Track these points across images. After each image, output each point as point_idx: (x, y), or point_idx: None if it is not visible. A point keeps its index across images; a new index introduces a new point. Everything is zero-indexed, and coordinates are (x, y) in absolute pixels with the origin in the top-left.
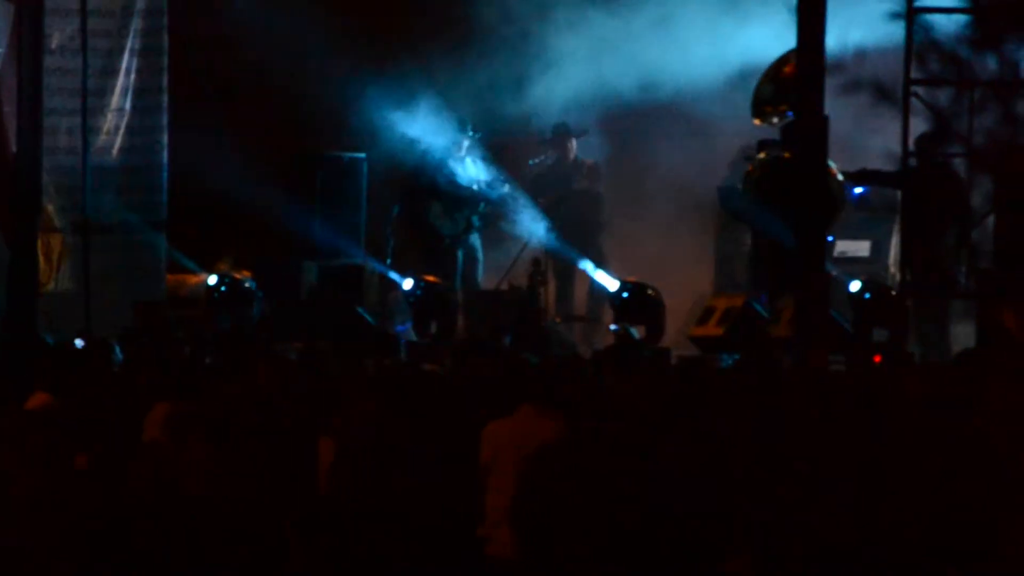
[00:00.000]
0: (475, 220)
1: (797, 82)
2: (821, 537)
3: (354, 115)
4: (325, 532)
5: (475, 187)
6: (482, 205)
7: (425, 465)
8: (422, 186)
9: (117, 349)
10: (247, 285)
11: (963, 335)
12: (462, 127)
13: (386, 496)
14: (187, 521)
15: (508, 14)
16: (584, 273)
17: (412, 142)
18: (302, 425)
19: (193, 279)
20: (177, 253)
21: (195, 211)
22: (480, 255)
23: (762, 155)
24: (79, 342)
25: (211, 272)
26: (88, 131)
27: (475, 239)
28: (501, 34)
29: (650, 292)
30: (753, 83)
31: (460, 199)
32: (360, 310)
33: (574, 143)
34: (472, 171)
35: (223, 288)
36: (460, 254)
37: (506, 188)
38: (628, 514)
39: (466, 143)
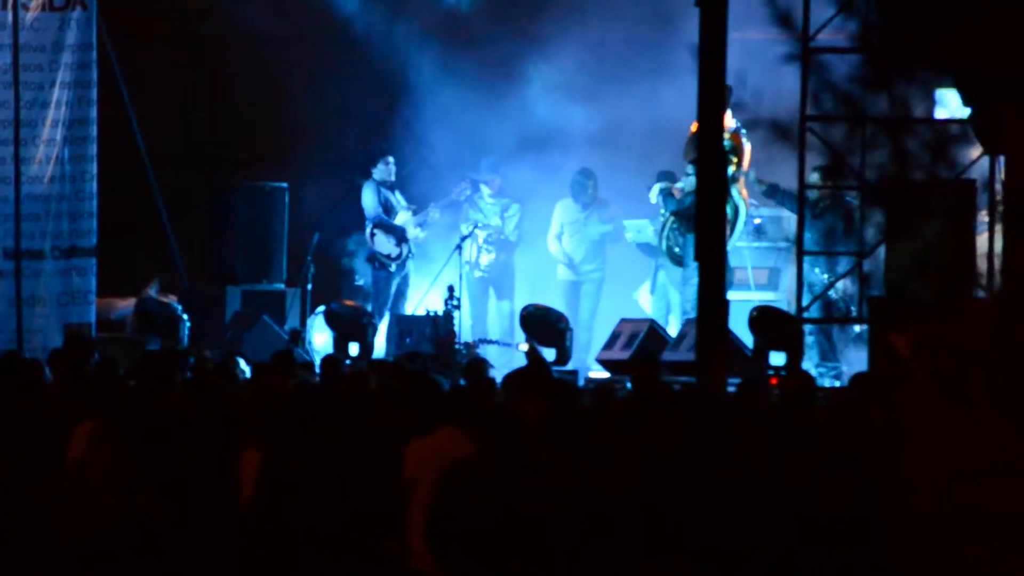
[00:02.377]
0: (406, 248)
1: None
2: (710, 541)
3: (277, 144)
4: (245, 543)
5: (406, 215)
6: (414, 232)
7: (346, 481)
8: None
9: (47, 369)
10: (173, 308)
11: (856, 360)
12: (385, 159)
13: (308, 510)
14: (108, 533)
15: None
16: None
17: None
18: (225, 440)
19: (121, 302)
20: (106, 278)
21: (123, 237)
22: (409, 281)
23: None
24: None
25: (138, 296)
26: (21, 161)
27: (407, 265)
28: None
29: (558, 317)
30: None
31: (392, 227)
32: (282, 332)
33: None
34: (402, 200)
35: (150, 312)
36: (395, 280)
37: (430, 216)
38: (534, 525)
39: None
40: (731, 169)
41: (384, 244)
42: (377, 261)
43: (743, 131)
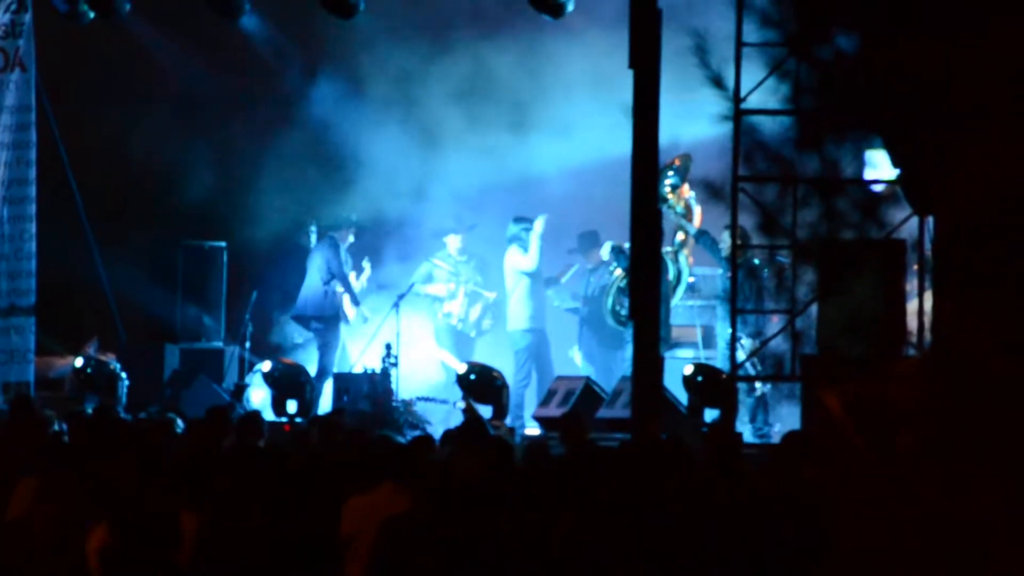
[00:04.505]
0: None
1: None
2: None
3: (216, 205)
4: None
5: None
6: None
7: (285, 538)
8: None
9: None
10: (112, 367)
11: (788, 417)
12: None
13: (246, 569)
14: None
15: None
16: (433, 355)
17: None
18: (165, 499)
19: (60, 361)
20: (45, 336)
21: (62, 296)
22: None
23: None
24: None
25: (77, 355)
26: None
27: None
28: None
29: (495, 375)
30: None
31: (351, 289)
32: (220, 391)
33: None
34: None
35: (88, 370)
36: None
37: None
38: None
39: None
40: (680, 236)
41: (345, 305)
42: (335, 319)
43: (694, 196)
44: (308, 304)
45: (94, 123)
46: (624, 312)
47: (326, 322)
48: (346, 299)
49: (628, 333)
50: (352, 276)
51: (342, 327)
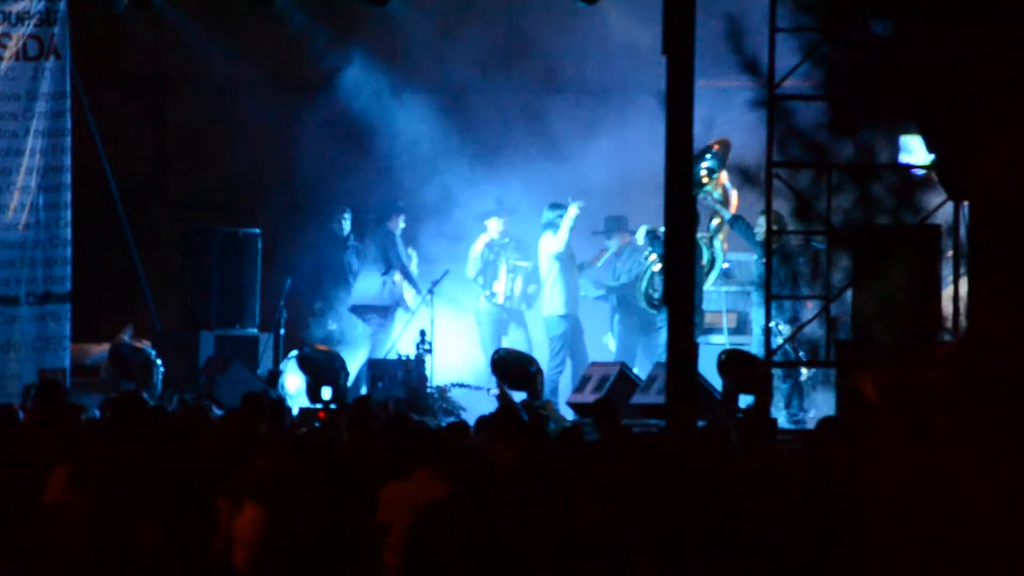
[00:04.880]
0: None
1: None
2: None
3: (249, 191)
4: None
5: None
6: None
7: (323, 525)
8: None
9: (20, 414)
10: (147, 353)
11: (823, 403)
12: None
13: (285, 556)
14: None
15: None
16: (468, 341)
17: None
18: (201, 485)
19: (96, 348)
20: (80, 323)
21: (98, 283)
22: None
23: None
24: None
25: (113, 341)
26: None
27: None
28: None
29: (529, 360)
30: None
31: (412, 279)
32: (254, 377)
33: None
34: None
35: (124, 356)
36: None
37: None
38: (506, 565)
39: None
40: (716, 221)
41: (405, 292)
42: (392, 309)
43: (730, 182)
44: (366, 295)
45: (128, 109)
46: (658, 296)
47: (383, 312)
48: (406, 287)
49: (661, 318)
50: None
51: (400, 315)
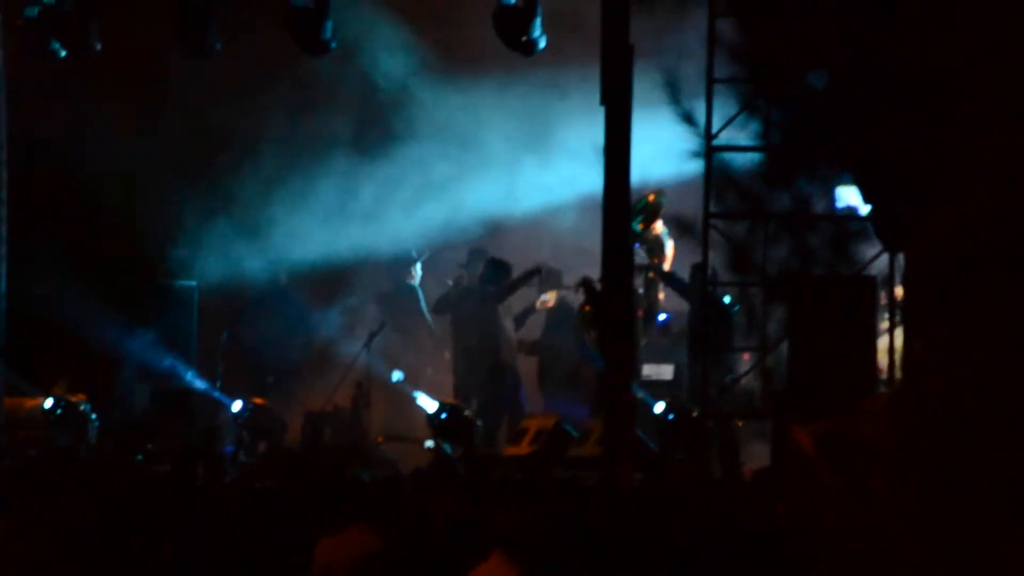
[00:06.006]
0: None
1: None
2: None
3: (185, 246)
4: None
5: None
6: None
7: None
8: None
9: None
10: (82, 408)
11: (759, 455)
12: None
13: None
14: None
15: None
16: (405, 394)
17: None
18: (137, 539)
19: (30, 402)
20: (15, 377)
21: (32, 336)
22: None
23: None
24: None
25: (47, 395)
26: None
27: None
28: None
29: (466, 413)
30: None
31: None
32: (191, 431)
33: (417, 268)
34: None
35: (59, 411)
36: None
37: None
38: None
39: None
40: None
41: None
42: None
43: (666, 232)
44: None
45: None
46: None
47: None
48: None
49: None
50: None
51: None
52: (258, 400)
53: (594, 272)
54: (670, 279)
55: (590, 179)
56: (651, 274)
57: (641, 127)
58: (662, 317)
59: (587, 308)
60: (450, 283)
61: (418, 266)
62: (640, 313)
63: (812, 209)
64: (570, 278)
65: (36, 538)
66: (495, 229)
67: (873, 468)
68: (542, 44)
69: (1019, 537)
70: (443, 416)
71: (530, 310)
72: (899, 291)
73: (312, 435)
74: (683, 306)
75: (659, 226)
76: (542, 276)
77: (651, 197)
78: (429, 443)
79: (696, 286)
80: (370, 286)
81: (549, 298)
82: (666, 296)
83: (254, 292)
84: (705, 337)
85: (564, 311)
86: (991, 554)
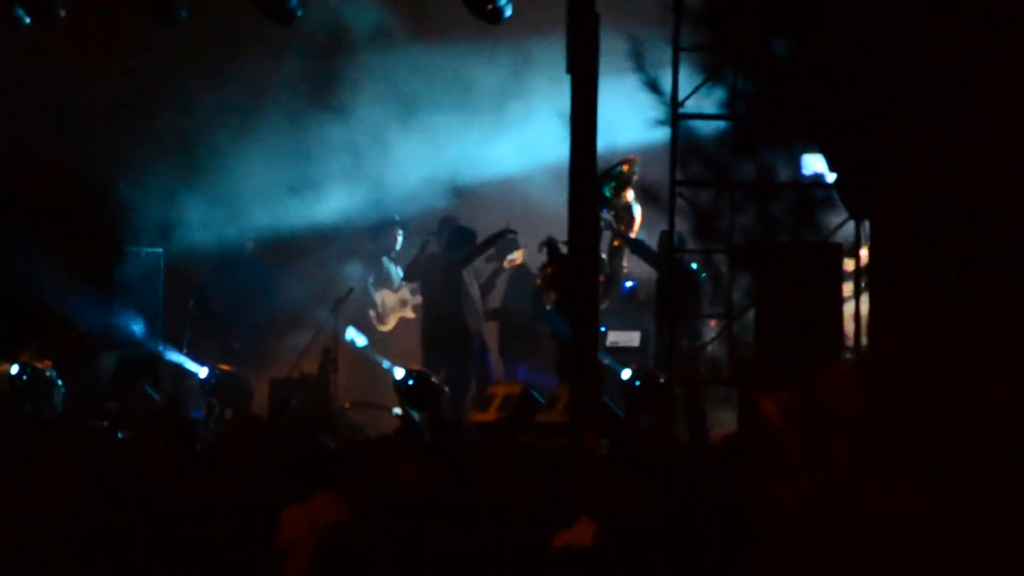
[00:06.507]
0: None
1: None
2: None
3: (153, 211)
4: None
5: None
6: None
7: (221, 549)
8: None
9: None
10: (48, 374)
11: (726, 420)
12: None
13: None
14: None
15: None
16: (372, 360)
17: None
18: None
19: None
20: None
21: None
22: None
23: (547, 264)
24: None
25: (13, 362)
26: None
27: None
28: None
29: (433, 380)
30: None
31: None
32: (157, 397)
33: (399, 233)
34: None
35: (24, 377)
36: None
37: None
38: None
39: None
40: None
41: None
42: None
43: (634, 200)
44: None
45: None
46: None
47: None
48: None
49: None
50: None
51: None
52: (224, 367)
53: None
54: (638, 246)
55: (557, 147)
56: (616, 242)
57: (607, 95)
58: (629, 284)
59: (549, 270)
60: (419, 250)
61: (400, 232)
62: (602, 279)
63: (777, 177)
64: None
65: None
66: (465, 197)
67: (837, 436)
68: (508, 12)
69: (983, 505)
70: (410, 383)
71: (498, 271)
72: (864, 257)
73: (279, 402)
74: (650, 273)
75: (629, 194)
76: (507, 239)
77: (625, 167)
78: (397, 410)
79: (664, 252)
80: (350, 250)
81: (517, 256)
82: (630, 263)
83: (220, 259)
84: (674, 303)
85: (525, 277)
86: (955, 523)
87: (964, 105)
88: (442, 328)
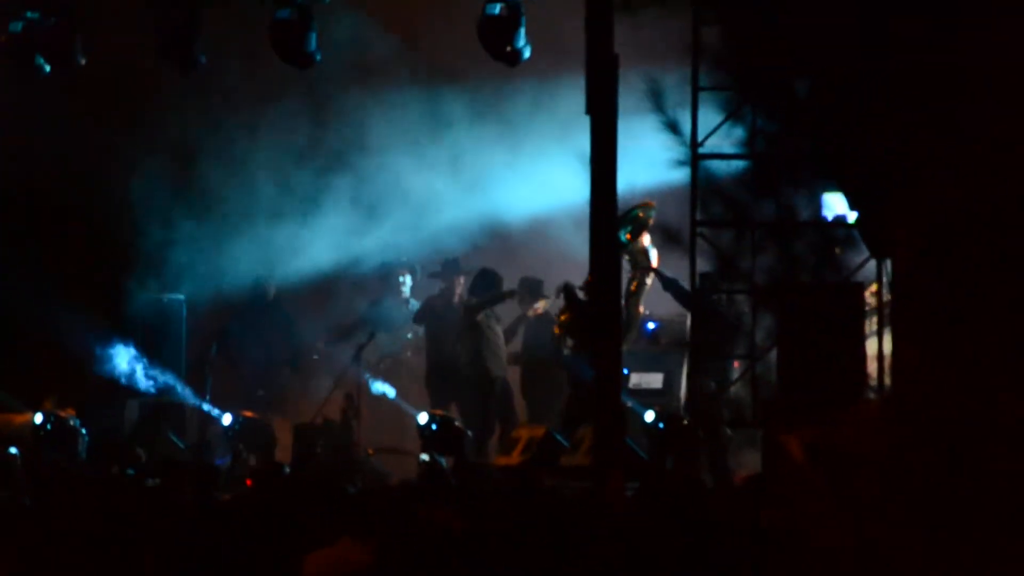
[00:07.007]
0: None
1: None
2: None
3: (173, 258)
4: None
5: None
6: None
7: None
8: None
9: None
10: (72, 423)
11: (750, 461)
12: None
13: None
14: None
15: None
16: (394, 405)
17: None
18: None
19: (19, 418)
20: (3, 393)
21: (21, 352)
22: None
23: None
24: None
25: (37, 411)
26: None
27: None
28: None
29: (456, 424)
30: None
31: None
32: (182, 445)
33: (462, 280)
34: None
35: (48, 426)
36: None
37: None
38: None
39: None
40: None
41: None
42: None
43: (651, 246)
44: None
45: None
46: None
47: None
48: None
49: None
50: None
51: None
52: (248, 413)
53: (577, 281)
54: (670, 284)
55: (576, 189)
56: (633, 285)
57: (627, 136)
58: (651, 325)
59: (563, 317)
60: (437, 292)
61: (408, 277)
62: None
63: (798, 216)
64: (552, 287)
65: (28, 552)
66: (482, 240)
67: (862, 476)
68: (527, 54)
69: (1009, 545)
70: (433, 427)
71: (522, 318)
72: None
73: (304, 450)
74: (672, 314)
75: (645, 239)
76: (520, 294)
77: (641, 212)
78: (424, 456)
79: (700, 293)
80: (358, 297)
81: (540, 306)
82: (657, 304)
83: (242, 305)
84: (700, 344)
85: (544, 320)
86: (981, 563)
87: (988, 143)
88: (458, 371)
